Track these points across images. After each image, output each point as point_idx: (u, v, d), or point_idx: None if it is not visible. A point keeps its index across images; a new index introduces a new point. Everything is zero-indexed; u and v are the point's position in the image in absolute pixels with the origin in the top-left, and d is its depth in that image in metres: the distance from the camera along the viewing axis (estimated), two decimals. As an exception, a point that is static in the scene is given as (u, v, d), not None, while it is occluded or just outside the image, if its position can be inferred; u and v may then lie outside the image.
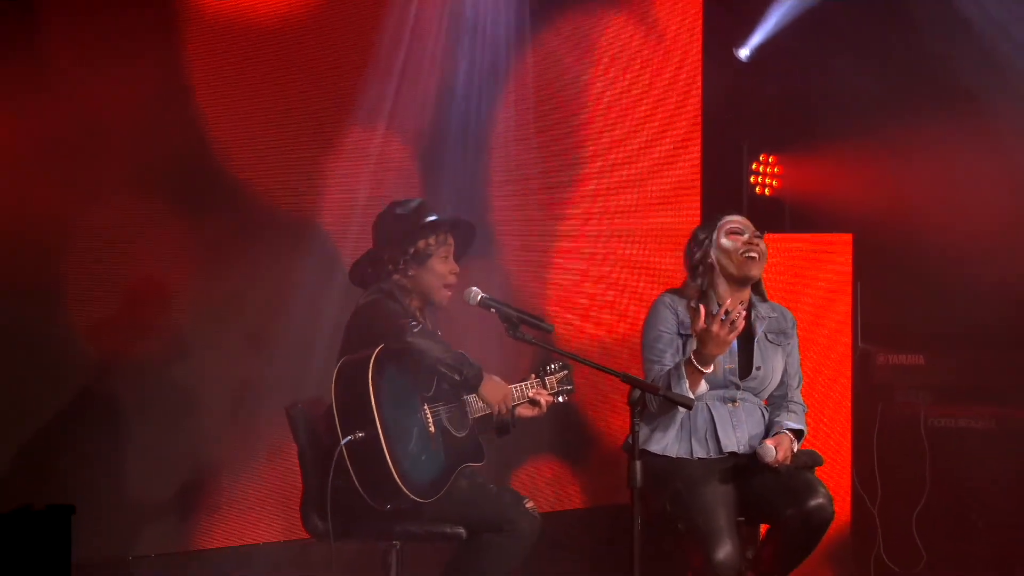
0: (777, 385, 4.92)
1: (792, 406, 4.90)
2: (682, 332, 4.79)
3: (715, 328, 4.54)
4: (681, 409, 4.67)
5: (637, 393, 4.22)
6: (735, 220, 4.88)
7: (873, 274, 6.47)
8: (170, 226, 5.20)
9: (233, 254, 5.35)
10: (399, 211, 4.64)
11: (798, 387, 4.96)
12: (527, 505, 4.52)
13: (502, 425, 4.69)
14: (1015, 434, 6.28)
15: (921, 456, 6.38)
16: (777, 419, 4.85)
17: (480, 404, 4.59)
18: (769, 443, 4.72)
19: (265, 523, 5.44)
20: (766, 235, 4.91)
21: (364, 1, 5.72)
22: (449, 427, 4.51)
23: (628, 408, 4.24)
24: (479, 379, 4.47)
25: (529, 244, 6.31)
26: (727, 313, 4.54)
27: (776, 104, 7.03)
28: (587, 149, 6.49)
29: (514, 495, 4.57)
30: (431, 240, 4.60)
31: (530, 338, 4.51)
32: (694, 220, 6.62)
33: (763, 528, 4.93)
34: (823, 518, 4.65)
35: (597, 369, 4.34)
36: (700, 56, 6.82)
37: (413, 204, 4.69)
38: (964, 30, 6.43)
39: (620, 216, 6.58)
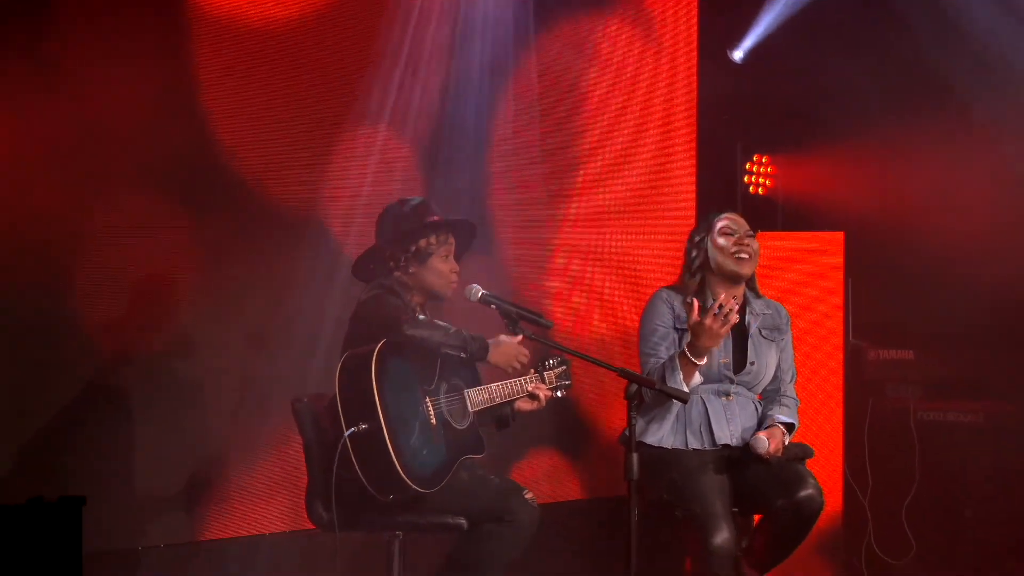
0: (771, 379, 4.94)
1: (785, 400, 4.92)
2: (678, 326, 4.81)
3: (708, 321, 4.57)
4: (675, 402, 4.69)
5: (634, 387, 4.24)
6: (729, 218, 4.90)
7: (864, 271, 6.47)
8: (176, 224, 5.20)
9: (238, 252, 5.36)
10: (401, 210, 4.65)
11: (791, 381, 4.98)
12: (526, 496, 4.53)
13: (502, 418, 4.71)
14: (1002, 428, 6.30)
15: (911, 449, 6.39)
16: (770, 412, 4.87)
17: (480, 397, 4.60)
18: (761, 435, 4.75)
19: (271, 514, 5.44)
20: (759, 233, 4.94)
21: (368, 3, 5.73)
22: (450, 420, 4.52)
23: (625, 402, 4.26)
24: (485, 350, 4.48)
25: (528, 242, 6.31)
26: (720, 307, 4.57)
27: (769, 105, 7.04)
28: (585, 149, 6.49)
29: (514, 486, 4.58)
30: (432, 239, 4.61)
31: (529, 334, 4.53)
32: (689, 218, 6.63)
33: (755, 518, 4.95)
34: (813, 509, 4.67)
35: (595, 364, 4.36)
36: (695, 58, 6.83)
37: (415, 203, 4.69)
38: (955, 31, 6.43)
39: (617, 214, 6.59)
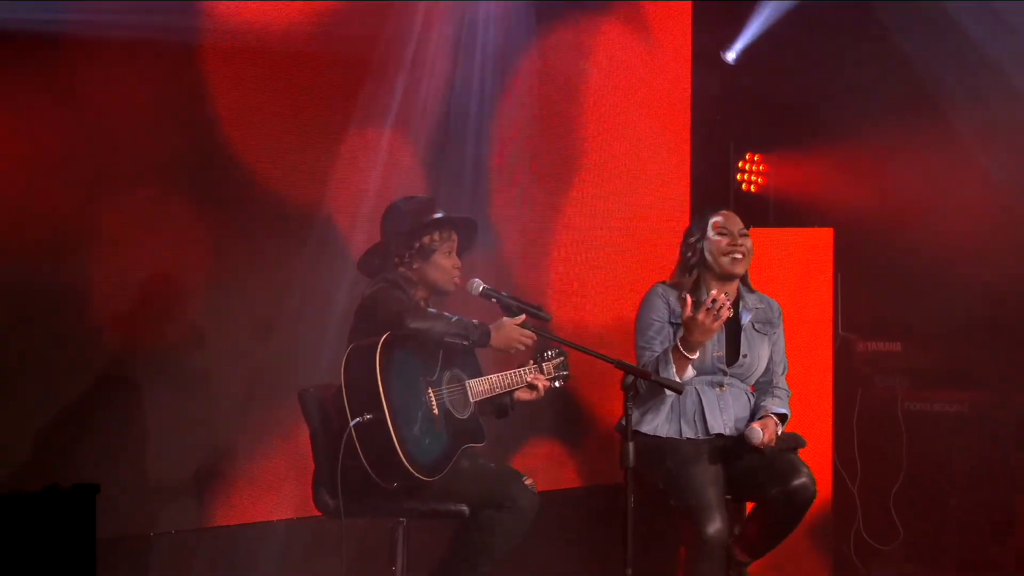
0: (763, 371, 4.95)
1: (777, 391, 4.93)
2: (672, 320, 4.82)
3: (701, 317, 4.58)
4: (670, 393, 4.70)
5: (630, 378, 4.25)
6: (723, 216, 4.90)
7: (853, 266, 6.48)
8: (186, 223, 5.19)
9: (247, 248, 5.36)
10: (405, 207, 4.66)
11: (783, 373, 4.99)
12: (526, 482, 4.53)
13: (501, 408, 4.71)
14: (986, 418, 6.30)
15: (898, 438, 6.40)
16: (763, 403, 4.88)
17: (481, 387, 4.60)
18: (755, 426, 4.75)
19: (279, 501, 5.44)
20: (751, 229, 4.94)
21: (373, 9, 5.72)
22: (452, 410, 4.53)
23: (621, 392, 4.27)
24: (487, 336, 4.48)
25: (528, 238, 6.31)
26: (713, 302, 4.57)
27: (762, 105, 7.04)
28: (583, 148, 6.49)
29: (514, 473, 4.59)
30: (435, 236, 4.62)
31: (529, 326, 4.53)
32: (684, 215, 6.63)
33: (749, 506, 4.95)
34: (806, 497, 4.68)
35: (592, 356, 4.36)
36: (689, 59, 6.82)
37: (419, 201, 4.70)
38: (944, 34, 6.43)
39: (614, 211, 6.58)
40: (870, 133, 6.67)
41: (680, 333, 4.70)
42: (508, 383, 4.68)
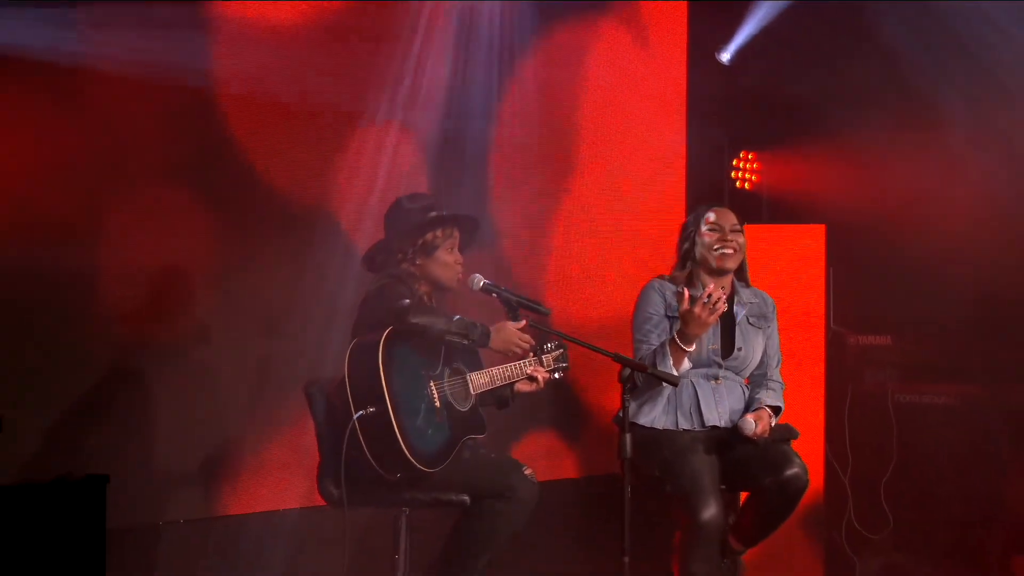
0: (757, 364, 4.94)
1: (771, 384, 4.92)
2: (669, 314, 4.81)
3: (697, 310, 4.57)
4: (666, 385, 4.69)
5: (627, 371, 4.25)
6: (715, 213, 4.89)
7: (845, 262, 6.47)
8: (194, 219, 5.19)
9: (254, 245, 5.36)
10: (409, 205, 4.65)
11: (777, 366, 4.98)
12: (526, 472, 4.53)
13: (502, 400, 4.70)
14: (974, 410, 6.29)
15: (888, 429, 6.39)
16: (757, 395, 4.87)
17: (482, 380, 4.60)
18: (750, 417, 4.75)
19: (284, 491, 5.44)
20: (745, 225, 4.93)
21: (378, 10, 5.71)
22: (453, 402, 4.52)
23: (619, 385, 4.26)
24: (487, 336, 4.48)
25: (528, 235, 6.31)
26: (709, 296, 4.57)
27: (756, 105, 7.03)
28: (581, 147, 6.49)
29: (514, 463, 4.58)
30: (438, 233, 4.61)
31: (529, 320, 4.52)
32: (680, 212, 6.62)
33: (743, 496, 4.94)
34: (798, 486, 4.67)
35: (590, 349, 4.36)
36: (685, 60, 6.81)
37: (422, 198, 4.69)
38: (935, 33, 6.42)
39: (611, 208, 6.58)
40: (862, 132, 6.66)
41: (676, 326, 4.69)
42: (508, 375, 4.68)
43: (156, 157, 5.09)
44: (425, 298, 4.60)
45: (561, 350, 4.85)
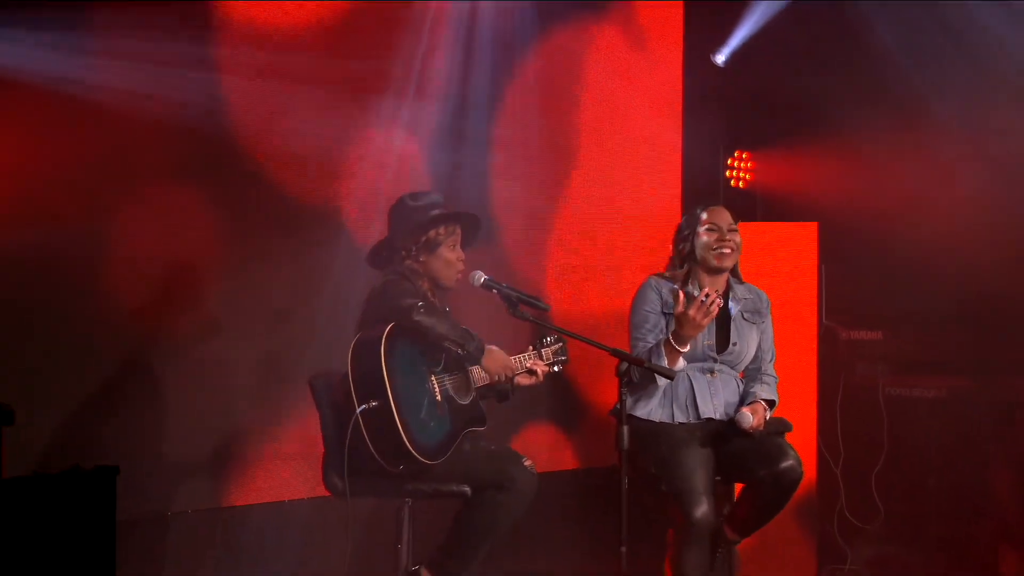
0: (752, 359, 4.93)
1: (766, 378, 4.91)
2: (665, 311, 4.80)
3: (692, 312, 4.57)
4: (662, 380, 4.68)
5: (624, 365, 4.25)
6: (712, 213, 4.88)
7: (837, 259, 6.46)
8: (204, 217, 5.19)
9: (261, 242, 5.35)
10: (412, 203, 4.64)
11: (771, 361, 4.97)
12: (526, 463, 4.52)
13: (502, 393, 4.70)
14: (962, 402, 6.29)
15: (879, 422, 6.38)
16: (752, 389, 4.87)
17: (483, 374, 4.59)
18: (745, 410, 4.74)
19: (290, 482, 5.44)
20: (740, 223, 4.92)
21: (385, 13, 5.70)
22: (454, 396, 4.52)
23: (616, 379, 4.25)
24: (481, 352, 4.48)
25: (528, 232, 6.30)
26: (706, 297, 4.56)
27: (750, 106, 7.02)
28: (580, 146, 6.47)
29: (514, 455, 4.58)
30: (441, 230, 4.60)
31: (528, 316, 4.52)
32: (676, 210, 6.62)
33: (738, 487, 4.94)
34: (792, 478, 4.67)
35: (588, 344, 4.35)
36: (681, 62, 6.80)
37: (425, 197, 4.69)
38: (926, 33, 6.41)
39: (609, 207, 6.57)
40: (854, 132, 6.65)
41: (672, 324, 4.68)
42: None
43: (165, 158, 5.08)
44: (428, 294, 4.59)
45: (560, 344, 4.84)
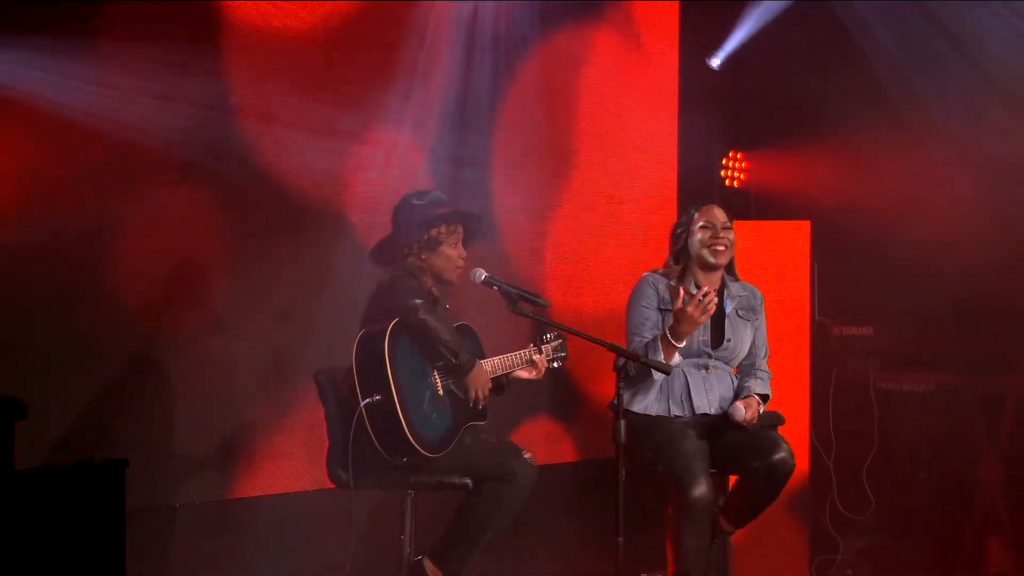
0: (746, 355, 4.93)
1: (759, 373, 4.92)
2: (662, 307, 4.80)
3: (690, 309, 4.57)
4: (658, 375, 4.68)
5: (622, 360, 4.25)
6: (707, 212, 4.88)
7: (829, 256, 6.46)
8: (211, 216, 5.19)
9: (267, 240, 5.34)
10: (415, 201, 4.64)
11: (765, 357, 4.98)
12: (526, 456, 4.53)
13: (499, 386, 4.69)
14: (951, 397, 6.29)
15: (870, 416, 6.38)
16: (746, 384, 4.87)
17: (486, 368, 4.58)
18: (739, 404, 4.75)
19: (295, 474, 5.44)
20: (734, 222, 4.92)
21: (388, 15, 5.70)
22: (456, 390, 4.51)
23: (614, 374, 4.25)
24: (471, 366, 4.48)
25: (528, 231, 6.30)
26: (705, 294, 4.56)
27: (745, 107, 7.02)
28: (579, 146, 6.47)
29: (514, 448, 4.58)
30: (443, 228, 4.60)
31: (528, 312, 4.52)
32: (672, 208, 6.62)
33: (732, 479, 4.94)
34: (785, 470, 4.67)
35: (587, 339, 4.35)
36: (677, 64, 6.80)
37: (427, 196, 4.68)
38: (920, 33, 6.40)
39: (607, 205, 6.57)
40: (847, 132, 6.64)
41: (668, 319, 4.68)
42: (510, 364, 4.68)
43: (173, 158, 5.07)
44: (432, 291, 4.59)
45: (560, 340, 4.84)
